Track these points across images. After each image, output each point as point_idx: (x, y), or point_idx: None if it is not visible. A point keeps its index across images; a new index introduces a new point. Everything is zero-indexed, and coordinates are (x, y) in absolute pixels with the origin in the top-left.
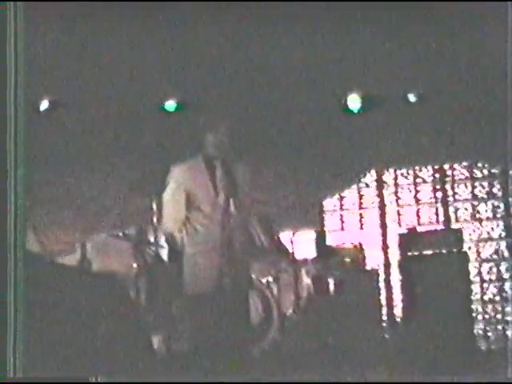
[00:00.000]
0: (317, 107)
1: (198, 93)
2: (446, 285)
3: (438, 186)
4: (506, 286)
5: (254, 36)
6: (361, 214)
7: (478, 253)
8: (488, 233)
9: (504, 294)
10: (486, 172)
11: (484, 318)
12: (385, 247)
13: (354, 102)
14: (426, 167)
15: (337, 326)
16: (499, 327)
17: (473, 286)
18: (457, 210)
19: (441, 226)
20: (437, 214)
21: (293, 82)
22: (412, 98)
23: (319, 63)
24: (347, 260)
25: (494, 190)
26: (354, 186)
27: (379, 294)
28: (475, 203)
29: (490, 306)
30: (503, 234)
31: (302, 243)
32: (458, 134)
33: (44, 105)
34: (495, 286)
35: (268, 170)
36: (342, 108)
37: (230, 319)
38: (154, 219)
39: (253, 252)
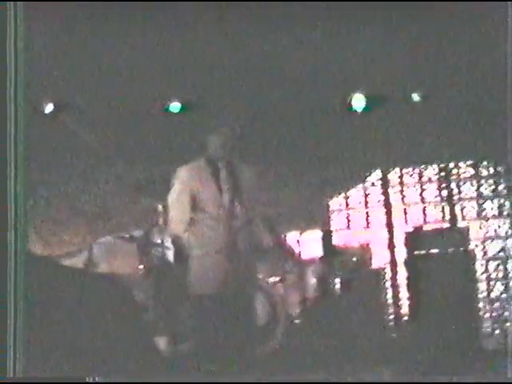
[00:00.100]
0: (321, 107)
1: (203, 94)
2: (452, 283)
3: (443, 185)
4: None
5: (258, 37)
6: (367, 213)
7: (485, 251)
8: (494, 231)
9: (511, 292)
10: (491, 170)
11: (491, 316)
12: (391, 246)
13: (358, 101)
14: (431, 166)
15: (343, 325)
16: (506, 325)
17: (479, 285)
18: (463, 208)
19: (447, 225)
20: (443, 213)
21: (297, 83)
22: (416, 97)
23: (324, 63)
24: (354, 259)
25: (500, 187)
26: (360, 185)
27: (386, 293)
28: (481, 201)
29: (496, 304)
30: (509, 232)
31: (308, 243)
32: (462, 132)
33: (49, 107)
34: (502, 284)
35: (273, 171)
36: (347, 107)
37: (236, 320)
38: (160, 221)
39: (258, 253)
